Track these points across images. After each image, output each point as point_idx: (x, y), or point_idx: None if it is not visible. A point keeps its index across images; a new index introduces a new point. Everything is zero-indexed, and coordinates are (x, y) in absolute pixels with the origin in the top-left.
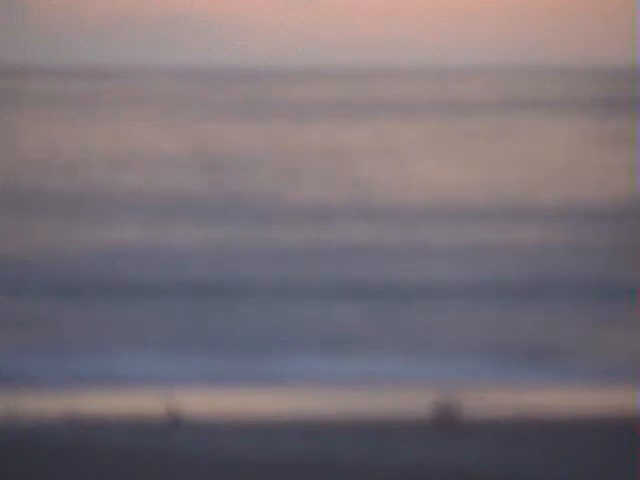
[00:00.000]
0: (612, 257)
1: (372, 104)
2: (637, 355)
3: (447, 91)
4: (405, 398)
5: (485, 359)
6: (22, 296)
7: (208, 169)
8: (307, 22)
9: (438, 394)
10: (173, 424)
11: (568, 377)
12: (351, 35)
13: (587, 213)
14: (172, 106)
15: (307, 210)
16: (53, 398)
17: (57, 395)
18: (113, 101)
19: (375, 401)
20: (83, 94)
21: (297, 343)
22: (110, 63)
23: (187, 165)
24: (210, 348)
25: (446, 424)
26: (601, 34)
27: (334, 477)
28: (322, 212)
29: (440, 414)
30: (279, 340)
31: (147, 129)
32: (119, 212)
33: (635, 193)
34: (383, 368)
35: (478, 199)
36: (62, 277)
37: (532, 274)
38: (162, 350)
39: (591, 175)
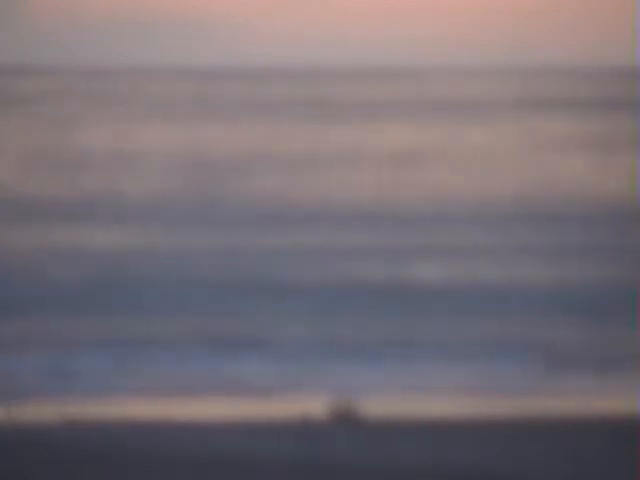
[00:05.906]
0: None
1: (371, 103)
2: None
3: (447, 91)
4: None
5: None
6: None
7: (202, 169)
8: (307, 22)
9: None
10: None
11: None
12: (351, 35)
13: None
14: (172, 106)
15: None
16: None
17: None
18: (112, 101)
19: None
20: (82, 93)
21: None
22: (110, 63)
23: (183, 164)
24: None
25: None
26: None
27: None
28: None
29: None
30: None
31: (146, 128)
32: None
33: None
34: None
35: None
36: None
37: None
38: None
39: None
